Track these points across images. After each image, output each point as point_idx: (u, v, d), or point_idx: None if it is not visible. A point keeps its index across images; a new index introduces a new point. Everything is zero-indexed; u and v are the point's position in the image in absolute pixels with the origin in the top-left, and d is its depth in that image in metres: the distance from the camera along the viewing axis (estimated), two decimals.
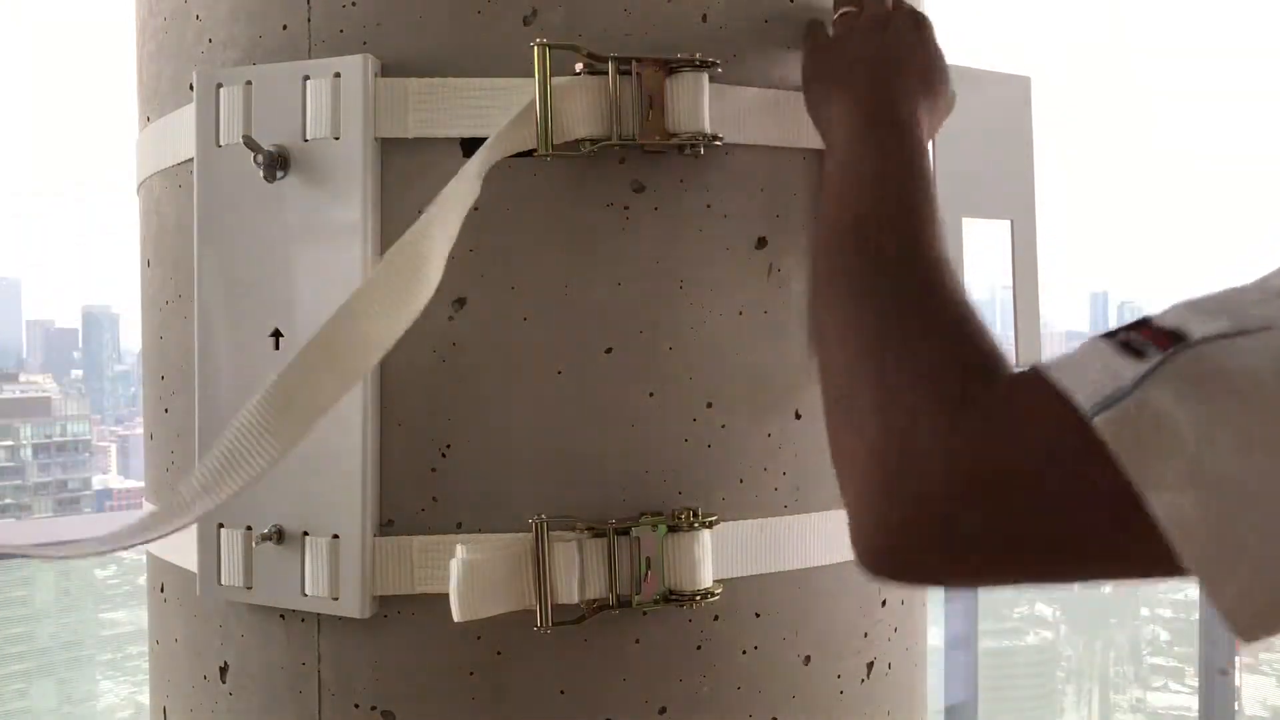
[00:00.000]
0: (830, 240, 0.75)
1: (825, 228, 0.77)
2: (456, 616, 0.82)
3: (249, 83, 0.88)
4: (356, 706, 0.88)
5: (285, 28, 0.89)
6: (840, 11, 0.90)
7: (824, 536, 0.93)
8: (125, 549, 0.76)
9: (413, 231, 0.77)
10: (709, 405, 0.89)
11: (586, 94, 0.84)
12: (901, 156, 0.78)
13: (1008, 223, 0.96)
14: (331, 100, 0.85)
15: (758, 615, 0.91)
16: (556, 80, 0.83)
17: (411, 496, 0.86)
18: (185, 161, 0.93)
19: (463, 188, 0.80)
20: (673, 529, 0.86)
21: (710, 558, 0.87)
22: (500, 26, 0.86)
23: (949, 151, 0.94)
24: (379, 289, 0.76)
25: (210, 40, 0.93)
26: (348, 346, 0.75)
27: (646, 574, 0.86)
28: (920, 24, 0.88)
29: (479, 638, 0.86)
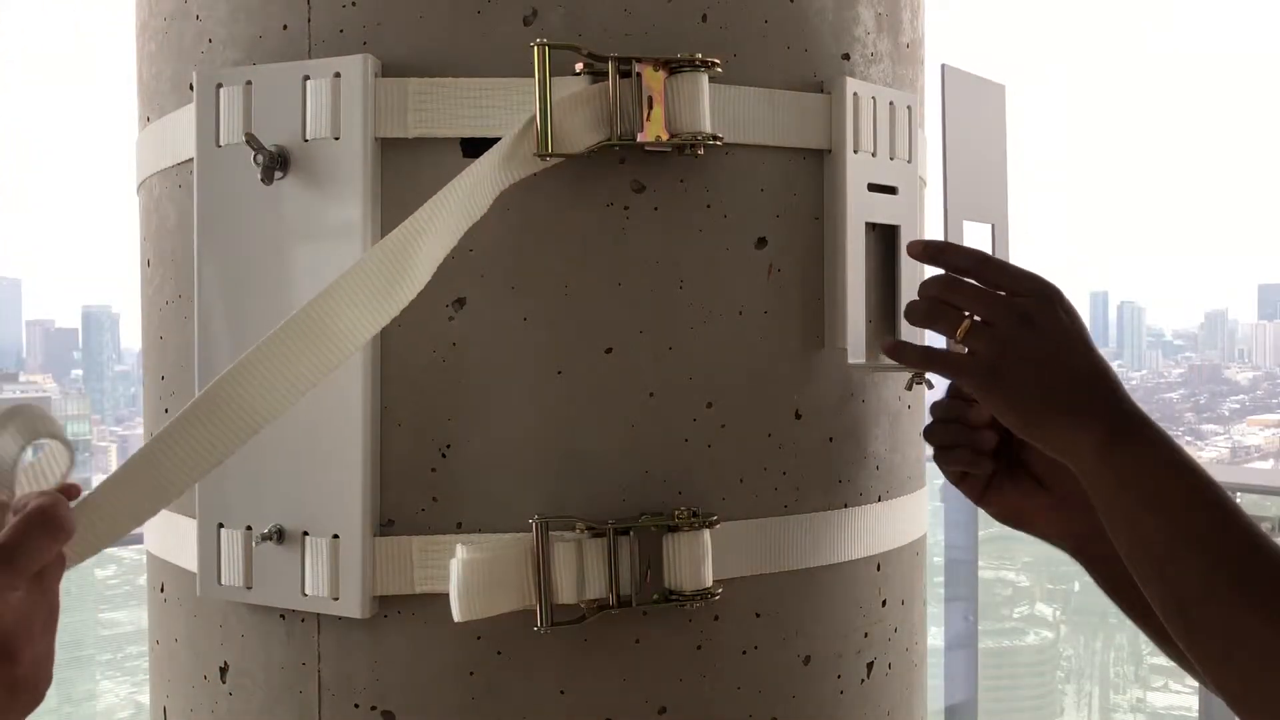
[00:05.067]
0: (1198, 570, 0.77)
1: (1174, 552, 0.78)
2: (456, 616, 0.82)
3: (249, 83, 0.88)
4: (356, 706, 0.88)
5: (285, 28, 0.89)
6: (987, 307, 0.84)
7: (824, 536, 0.93)
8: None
9: (400, 229, 0.77)
10: (709, 405, 0.89)
11: (586, 105, 0.84)
12: (1175, 460, 0.80)
13: (989, 226, 0.97)
14: (331, 100, 0.85)
15: (758, 615, 0.91)
16: (557, 95, 0.83)
17: (411, 496, 0.86)
18: (185, 161, 0.93)
19: (458, 194, 0.80)
20: (673, 529, 0.86)
21: (710, 558, 0.87)
22: (500, 26, 0.86)
23: (953, 153, 0.94)
24: (357, 282, 0.76)
25: (210, 40, 0.93)
26: (321, 334, 0.74)
27: (646, 574, 0.86)
28: (1055, 297, 0.84)
29: (479, 638, 0.86)
